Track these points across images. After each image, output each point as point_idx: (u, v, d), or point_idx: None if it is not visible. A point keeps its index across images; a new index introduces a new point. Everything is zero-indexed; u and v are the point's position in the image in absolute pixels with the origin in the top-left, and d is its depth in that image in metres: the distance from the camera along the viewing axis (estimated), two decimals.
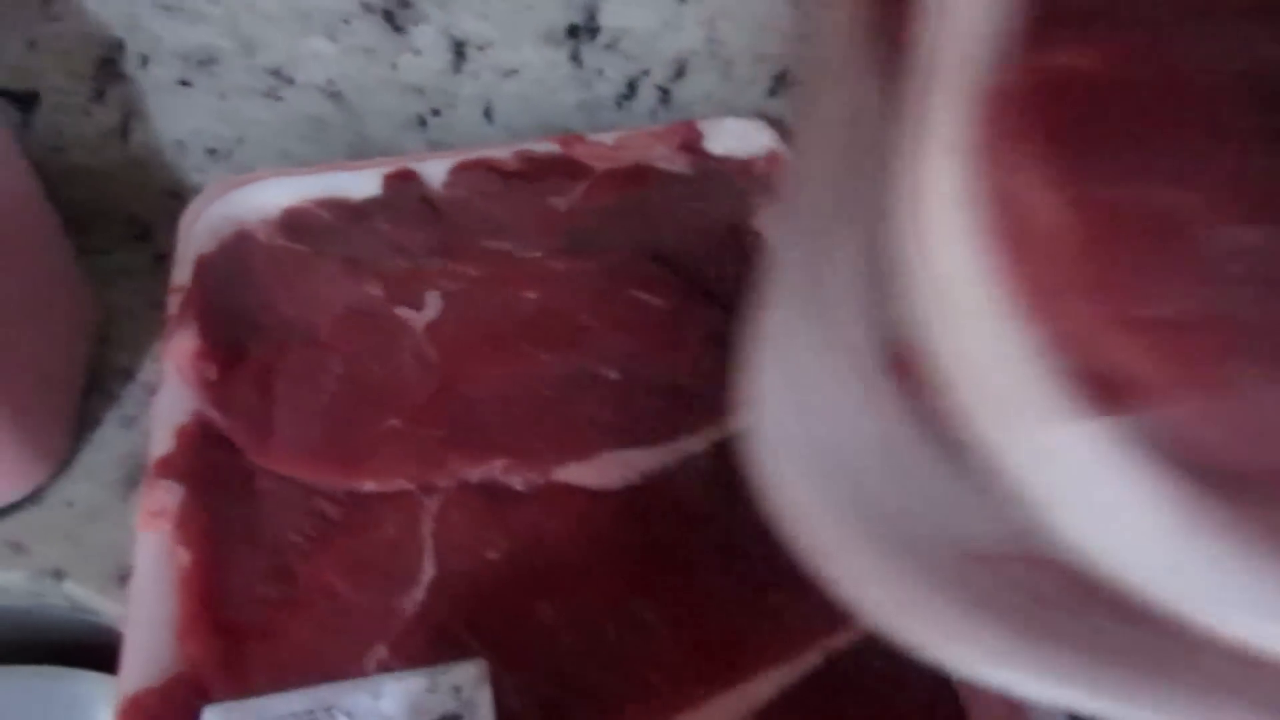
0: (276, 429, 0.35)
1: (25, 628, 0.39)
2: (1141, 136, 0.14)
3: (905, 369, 0.16)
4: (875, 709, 0.30)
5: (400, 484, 0.34)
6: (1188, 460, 0.13)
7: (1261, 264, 0.13)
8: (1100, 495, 0.13)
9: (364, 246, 0.42)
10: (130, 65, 0.45)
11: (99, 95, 0.45)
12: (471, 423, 0.36)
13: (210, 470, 0.34)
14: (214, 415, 0.35)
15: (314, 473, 0.34)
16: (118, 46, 0.44)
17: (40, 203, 0.40)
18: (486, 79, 0.49)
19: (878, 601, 0.16)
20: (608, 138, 0.47)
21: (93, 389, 0.41)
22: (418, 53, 0.47)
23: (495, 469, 0.34)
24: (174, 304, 0.39)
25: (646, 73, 0.50)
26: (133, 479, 0.38)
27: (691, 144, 0.48)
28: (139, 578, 0.31)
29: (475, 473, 0.34)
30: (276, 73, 0.46)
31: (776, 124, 0.50)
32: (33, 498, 0.38)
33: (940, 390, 0.14)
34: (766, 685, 0.30)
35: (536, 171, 0.46)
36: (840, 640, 0.31)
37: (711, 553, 0.33)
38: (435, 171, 0.45)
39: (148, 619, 0.30)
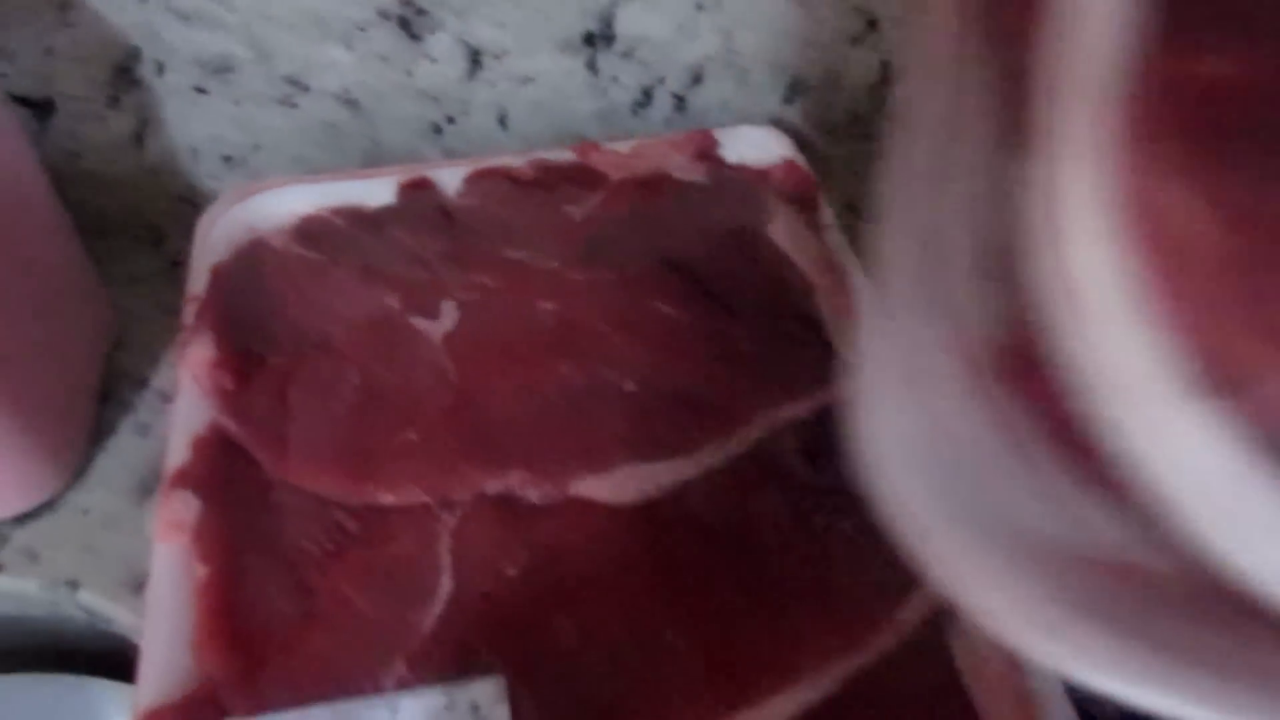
0: (292, 440, 0.35)
1: (40, 635, 0.39)
2: None
3: (1022, 369, 0.15)
4: None
5: (417, 496, 0.34)
6: None
7: None
8: (1233, 501, 0.13)
9: (380, 255, 0.42)
10: (146, 72, 0.45)
11: (115, 102, 0.45)
12: (488, 435, 0.35)
13: (227, 482, 0.34)
14: (231, 425, 0.35)
15: (330, 485, 0.34)
16: (134, 54, 0.44)
17: (55, 209, 0.40)
18: (502, 87, 0.49)
19: (983, 598, 0.16)
20: (623, 146, 0.47)
21: (107, 396, 0.41)
22: (433, 60, 0.47)
23: (512, 482, 0.34)
24: (189, 313, 0.39)
25: (662, 80, 0.50)
26: (148, 487, 0.38)
27: (707, 152, 0.48)
28: (155, 589, 0.31)
29: (492, 485, 0.34)
30: (292, 80, 0.46)
31: (792, 132, 0.49)
32: (47, 506, 0.38)
33: (1068, 392, 0.14)
34: (786, 704, 0.29)
35: (552, 180, 0.46)
36: (861, 659, 0.30)
37: (730, 569, 0.32)
38: (450, 179, 0.45)
39: (164, 631, 0.30)
